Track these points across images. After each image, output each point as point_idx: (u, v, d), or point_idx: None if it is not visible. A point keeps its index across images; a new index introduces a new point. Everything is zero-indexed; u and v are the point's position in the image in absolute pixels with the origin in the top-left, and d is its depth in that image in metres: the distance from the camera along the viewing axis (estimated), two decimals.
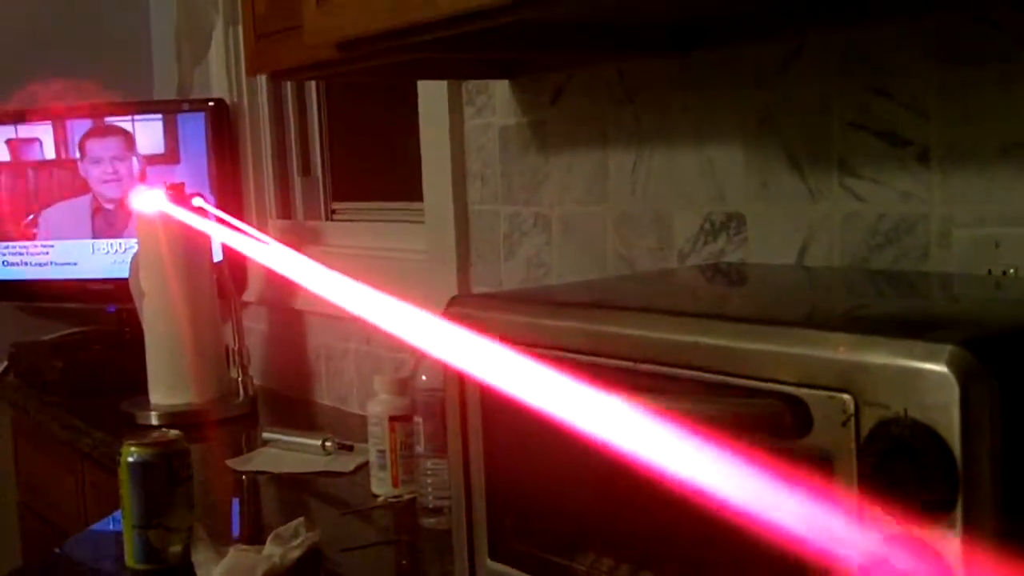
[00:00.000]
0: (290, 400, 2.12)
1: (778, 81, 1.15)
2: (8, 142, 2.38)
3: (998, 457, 0.60)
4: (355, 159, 2.19)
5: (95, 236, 2.34)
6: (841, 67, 1.09)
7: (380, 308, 1.44)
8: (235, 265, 2.12)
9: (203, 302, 1.98)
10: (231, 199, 2.21)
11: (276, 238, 2.24)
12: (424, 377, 1.30)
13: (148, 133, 2.26)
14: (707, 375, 0.74)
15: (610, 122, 1.36)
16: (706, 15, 1.08)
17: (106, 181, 2.31)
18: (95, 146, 2.31)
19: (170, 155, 2.25)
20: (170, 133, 2.24)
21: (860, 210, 1.09)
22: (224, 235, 1.97)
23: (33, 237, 2.38)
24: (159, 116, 2.24)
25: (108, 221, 2.33)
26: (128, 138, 2.26)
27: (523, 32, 1.04)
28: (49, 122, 2.34)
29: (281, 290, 2.11)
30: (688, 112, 1.26)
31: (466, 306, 0.93)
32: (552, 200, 1.46)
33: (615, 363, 0.80)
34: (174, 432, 1.23)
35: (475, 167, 1.59)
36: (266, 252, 2.02)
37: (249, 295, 2.21)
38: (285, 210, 2.25)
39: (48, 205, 2.37)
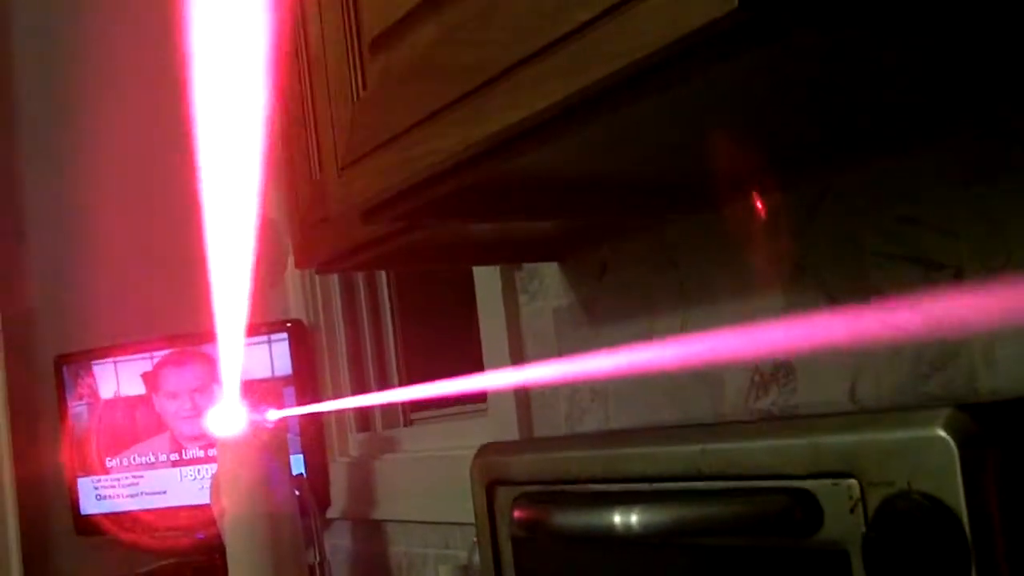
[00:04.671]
0: None
1: (808, 224, 1.15)
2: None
3: (1007, 521, 0.56)
4: (430, 364, 2.21)
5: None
6: (867, 201, 1.09)
7: None
8: (317, 480, 2.13)
9: (284, 520, 1.97)
10: (313, 416, 2.24)
11: (356, 451, 2.26)
12: (477, 557, 1.27)
13: (253, 357, 2.24)
14: (718, 483, 0.71)
15: (655, 288, 1.36)
16: (724, 169, 1.09)
17: (184, 417, 2.33)
18: (171, 378, 2.34)
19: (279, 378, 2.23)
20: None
21: (903, 343, 1.06)
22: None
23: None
24: (265, 340, 2.24)
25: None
26: (211, 364, 2.29)
27: (538, 190, 1.06)
28: (142, 355, 2.38)
29: (362, 501, 2.10)
30: (728, 267, 1.26)
31: (492, 452, 0.92)
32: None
33: (631, 487, 0.78)
34: None
35: (533, 352, 1.59)
36: None
37: (332, 511, 2.21)
38: (364, 422, 2.27)
39: (130, 445, 2.40)
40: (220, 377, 2.23)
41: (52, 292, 2.49)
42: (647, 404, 1.39)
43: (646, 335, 1.38)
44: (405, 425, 2.21)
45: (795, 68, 0.76)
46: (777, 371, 1.21)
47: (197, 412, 2.30)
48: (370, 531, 2.13)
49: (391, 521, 2.06)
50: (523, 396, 1.61)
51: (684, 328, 1.32)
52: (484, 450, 0.94)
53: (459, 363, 2.12)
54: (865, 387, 1.10)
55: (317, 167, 1.33)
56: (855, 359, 1.11)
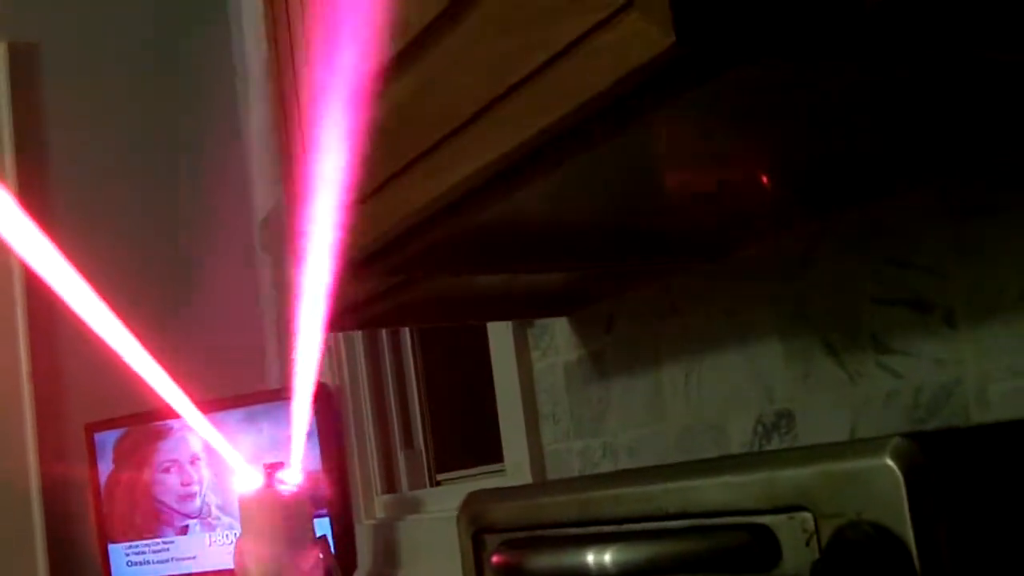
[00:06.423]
0: None
1: (803, 270, 1.15)
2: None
3: (954, 547, 0.56)
4: (455, 424, 2.22)
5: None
6: (859, 245, 1.09)
7: None
8: (344, 542, 2.12)
9: None
10: (339, 478, 2.24)
11: (383, 512, 2.25)
12: None
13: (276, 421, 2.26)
14: (683, 521, 0.71)
15: (660, 339, 1.36)
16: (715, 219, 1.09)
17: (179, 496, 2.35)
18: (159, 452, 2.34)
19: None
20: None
21: (899, 387, 1.05)
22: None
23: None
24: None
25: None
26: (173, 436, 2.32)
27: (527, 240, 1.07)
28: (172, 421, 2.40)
29: (387, 563, 2.09)
30: (729, 315, 1.26)
31: (477, 501, 0.92)
32: (617, 427, 1.44)
33: (604, 529, 0.77)
34: None
35: (546, 408, 1.59)
36: None
37: (359, 573, 2.20)
38: (390, 484, 2.26)
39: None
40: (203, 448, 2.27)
41: (82, 360, 2.53)
42: (656, 457, 1.38)
43: (653, 386, 1.38)
44: (431, 486, 2.21)
45: (744, 105, 0.75)
46: (779, 419, 1.20)
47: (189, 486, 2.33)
48: None
49: None
50: (537, 455, 1.60)
51: (689, 378, 1.32)
52: (470, 500, 0.94)
53: (483, 421, 2.12)
54: (865, 432, 1.09)
55: None
56: (854, 404, 1.10)
